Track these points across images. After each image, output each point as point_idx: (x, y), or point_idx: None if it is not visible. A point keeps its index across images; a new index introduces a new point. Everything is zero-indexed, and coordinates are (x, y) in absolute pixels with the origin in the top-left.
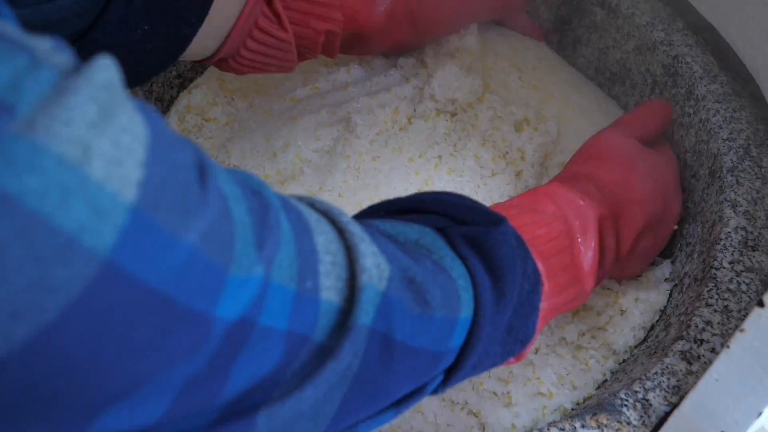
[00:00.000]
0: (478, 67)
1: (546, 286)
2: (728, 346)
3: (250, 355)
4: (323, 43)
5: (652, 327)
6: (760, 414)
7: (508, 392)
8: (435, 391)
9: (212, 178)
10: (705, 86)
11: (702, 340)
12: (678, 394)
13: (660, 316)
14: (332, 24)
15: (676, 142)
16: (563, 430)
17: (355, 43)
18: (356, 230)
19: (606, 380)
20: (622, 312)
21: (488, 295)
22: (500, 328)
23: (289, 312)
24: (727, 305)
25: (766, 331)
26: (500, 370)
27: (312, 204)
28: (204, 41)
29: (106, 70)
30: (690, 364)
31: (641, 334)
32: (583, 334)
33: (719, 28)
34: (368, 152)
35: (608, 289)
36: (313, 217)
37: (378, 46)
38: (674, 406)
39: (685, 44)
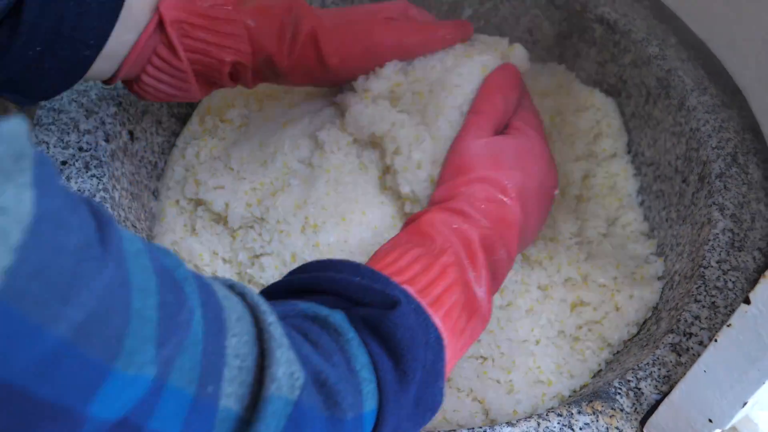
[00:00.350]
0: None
1: (446, 341)
2: (716, 340)
3: None
4: (233, 73)
5: (645, 322)
6: (745, 404)
7: (511, 380)
8: None
9: (114, 265)
10: (696, 98)
11: (691, 334)
12: (668, 384)
13: (652, 312)
14: (237, 55)
15: (668, 150)
16: (561, 416)
17: (275, 77)
18: (276, 333)
19: (601, 370)
20: (617, 308)
21: (391, 382)
22: (406, 406)
23: (183, 418)
24: (715, 301)
25: (751, 326)
26: (503, 360)
27: (243, 295)
28: (100, 64)
29: (8, 138)
30: (680, 355)
31: (634, 330)
32: (580, 327)
33: (710, 45)
34: (344, 165)
35: (604, 286)
36: (234, 316)
37: (298, 81)
38: (664, 395)
39: (678, 59)
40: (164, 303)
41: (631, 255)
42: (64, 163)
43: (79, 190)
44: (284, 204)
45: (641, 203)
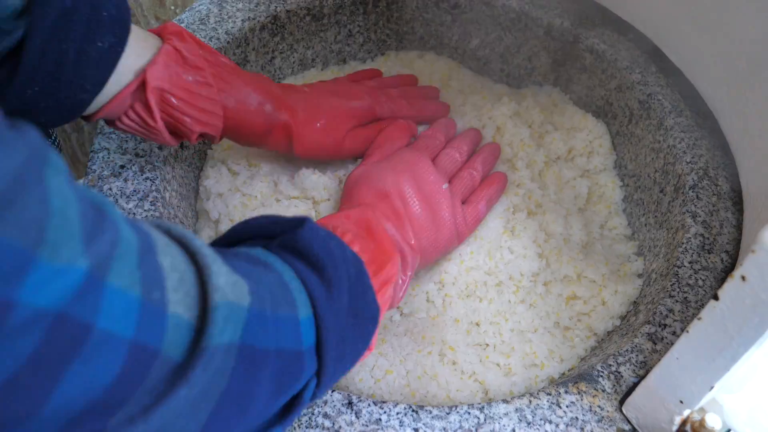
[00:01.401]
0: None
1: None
2: (687, 331)
3: (85, 359)
4: (201, 135)
5: (626, 315)
6: (712, 387)
7: (509, 364)
8: (314, 396)
9: (28, 156)
10: (673, 119)
11: (665, 325)
12: (645, 369)
13: (633, 305)
14: (207, 128)
15: (648, 163)
16: (550, 395)
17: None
18: (208, 252)
19: (587, 355)
20: (604, 303)
21: (318, 288)
22: (343, 313)
23: (135, 320)
24: (687, 297)
25: (718, 320)
26: (504, 347)
27: (168, 231)
28: None
29: None
30: (655, 344)
31: (618, 322)
32: (572, 318)
33: (686, 73)
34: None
35: (594, 281)
36: (162, 241)
37: (266, 149)
38: (641, 378)
39: (658, 84)
40: (84, 213)
41: (616, 254)
42: (122, 167)
43: (135, 191)
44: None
45: (624, 210)
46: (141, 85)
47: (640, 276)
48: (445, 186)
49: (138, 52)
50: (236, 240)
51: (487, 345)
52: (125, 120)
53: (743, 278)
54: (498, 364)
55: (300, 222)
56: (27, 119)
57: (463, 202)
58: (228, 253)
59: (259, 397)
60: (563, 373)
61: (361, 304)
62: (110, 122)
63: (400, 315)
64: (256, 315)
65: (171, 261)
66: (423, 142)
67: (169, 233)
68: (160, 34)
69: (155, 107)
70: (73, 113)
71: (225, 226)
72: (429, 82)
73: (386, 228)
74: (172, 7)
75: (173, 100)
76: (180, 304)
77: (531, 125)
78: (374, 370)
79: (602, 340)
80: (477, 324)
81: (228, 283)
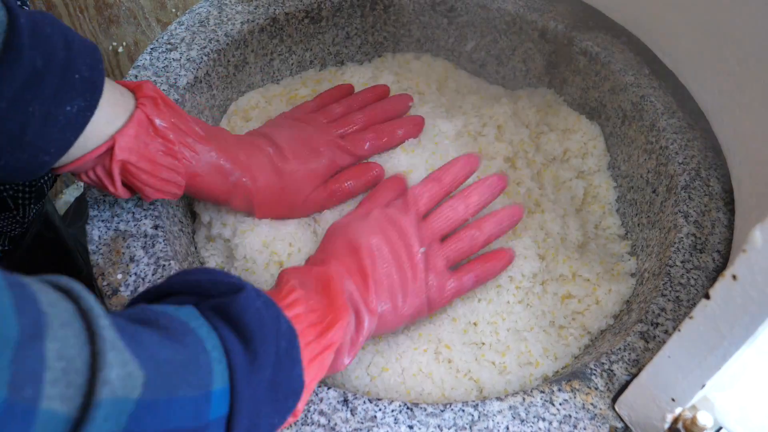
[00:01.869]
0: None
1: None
2: (679, 330)
3: None
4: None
5: (619, 314)
6: (703, 385)
7: (504, 362)
8: None
9: None
10: (665, 120)
11: (657, 324)
12: (637, 367)
13: (626, 304)
14: (166, 196)
15: (640, 164)
16: (544, 392)
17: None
18: (109, 336)
19: (580, 354)
20: (598, 302)
21: (240, 359)
22: (262, 387)
23: None
24: (678, 296)
25: (710, 319)
26: (499, 345)
27: (78, 299)
28: None
29: None
30: (647, 342)
31: (611, 321)
32: (566, 317)
33: (678, 75)
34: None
35: (588, 280)
36: (57, 322)
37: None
38: (634, 376)
39: (650, 86)
40: None
41: (610, 254)
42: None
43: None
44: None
45: (618, 210)
46: (107, 151)
47: (633, 275)
48: (421, 251)
49: (108, 117)
50: (172, 291)
51: (483, 344)
52: (85, 178)
53: (734, 277)
54: (493, 362)
55: (239, 288)
56: None
57: (453, 267)
58: (143, 319)
59: None
60: (557, 371)
61: (284, 379)
62: (78, 174)
63: None
64: (146, 405)
65: (59, 347)
66: (416, 193)
67: (78, 303)
68: (135, 91)
69: (117, 177)
70: (32, 174)
71: (217, 230)
72: (426, 84)
73: (346, 286)
74: (173, 10)
75: (136, 171)
76: (56, 398)
77: (528, 125)
78: (371, 367)
79: (596, 338)
80: (475, 324)
81: (120, 377)
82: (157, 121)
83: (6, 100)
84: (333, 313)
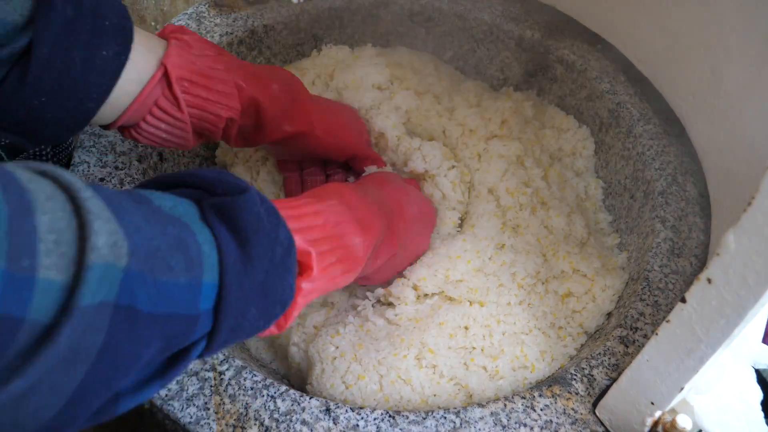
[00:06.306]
0: None
1: (315, 268)
2: (657, 334)
3: None
4: (224, 127)
5: (611, 312)
6: (682, 389)
7: (496, 367)
8: (201, 356)
9: None
10: (641, 127)
11: (636, 328)
12: (617, 371)
13: (617, 301)
14: (230, 112)
15: (618, 170)
16: (525, 398)
17: (255, 132)
18: (93, 208)
19: (576, 355)
20: (594, 299)
21: (233, 258)
22: (252, 289)
23: None
24: (657, 300)
25: (686, 322)
26: (492, 349)
27: (56, 178)
28: (102, 111)
29: None
30: (627, 347)
31: (605, 319)
32: (566, 317)
33: (653, 82)
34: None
35: (585, 276)
36: (42, 195)
37: (273, 135)
38: (614, 381)
39: (626, 93)
40: None
41: (604, 247)
42: (102, 179)
43: None
44: None
45: (606, 205)
46: (161, 79)
47: (624, 269)
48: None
49: (147, 56)
50: (179, 182)
51: (474, 348)
52: (150, 119)
53: (709, 281)
54: (484, 367)
55: (243, 190)
56: (34, 134)
57: None
58: (138, 199)
59: (144, 355)
60: (552, 374)
61: (276, 286)
62: (127, 130)
63: (385, 320)
64: (134, 276)
65: (49, 220)
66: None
67: (57, 181)
68: (161, 35)
69: (181, 98)
70: (78, 124)
71: None
72: (420, 78)
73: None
74: (153, 23)
75: (194, 87)
76: (52, 267)
77: (528, 121)
78: (347, 375)
79: (591, 336)
80: (466, 328)
81: (107, 244)
82: (192, 43)
83: (47, 47)
84: (370, 218)
